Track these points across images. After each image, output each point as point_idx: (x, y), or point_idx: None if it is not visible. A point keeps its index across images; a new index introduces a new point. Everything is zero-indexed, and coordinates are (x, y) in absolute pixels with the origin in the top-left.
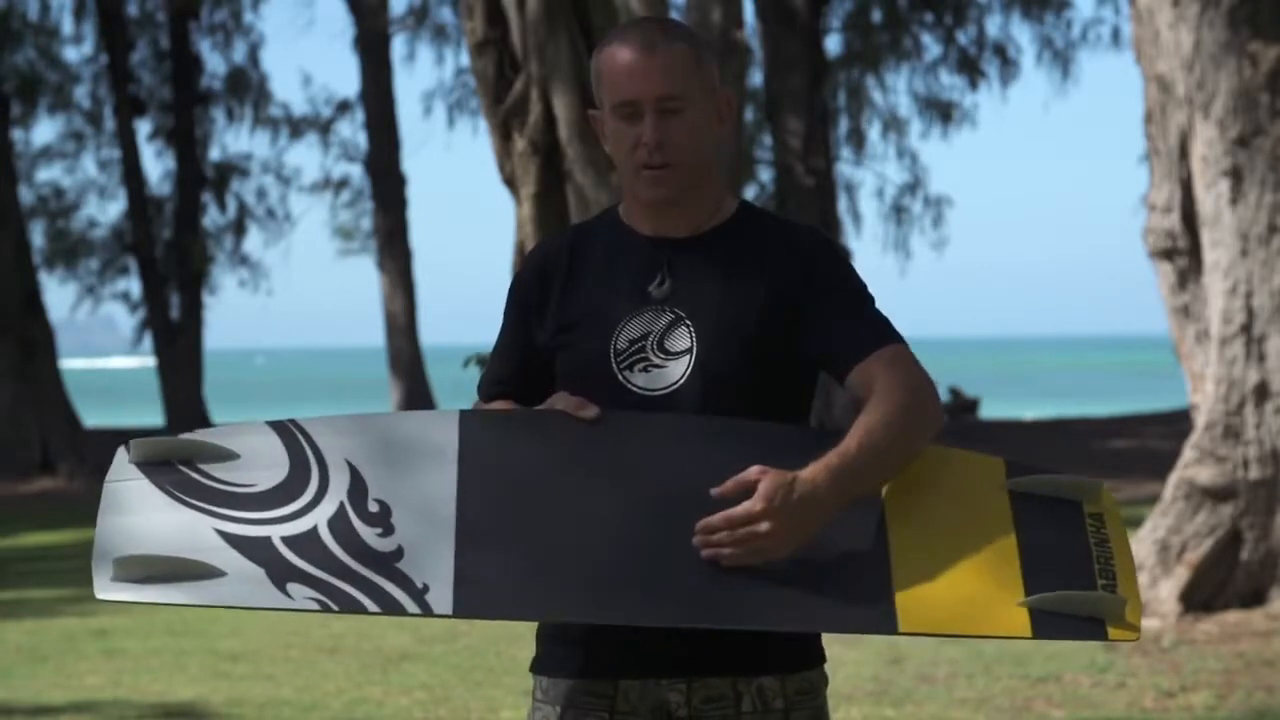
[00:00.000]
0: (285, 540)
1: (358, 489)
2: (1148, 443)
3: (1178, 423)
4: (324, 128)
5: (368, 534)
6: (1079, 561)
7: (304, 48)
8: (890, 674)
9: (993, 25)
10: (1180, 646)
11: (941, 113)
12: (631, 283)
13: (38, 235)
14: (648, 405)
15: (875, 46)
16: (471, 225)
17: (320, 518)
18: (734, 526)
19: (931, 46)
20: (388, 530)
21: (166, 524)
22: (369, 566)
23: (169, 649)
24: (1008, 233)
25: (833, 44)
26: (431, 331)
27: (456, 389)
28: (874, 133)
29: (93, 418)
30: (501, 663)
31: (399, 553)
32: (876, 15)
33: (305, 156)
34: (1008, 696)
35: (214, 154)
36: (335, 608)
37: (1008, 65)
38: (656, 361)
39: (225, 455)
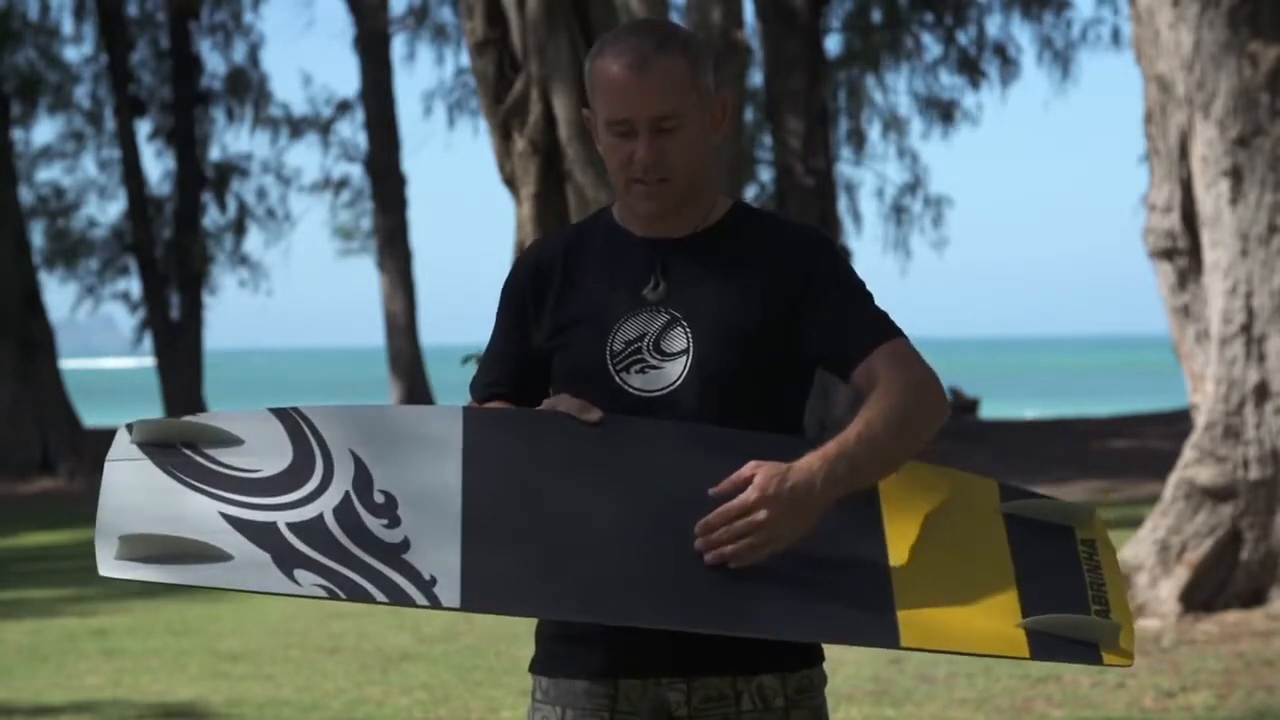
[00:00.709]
0: (291, 527)
1: (362, 479)
2: (1148, 443)
3: (1178, 423)
4: (324, 128)
5: (374, 524)
6: (1072, 587)
7: (304, 48)
8: (890, 674)
9: (993, 25)
10: (1180, 646)
11: (941, 113)
12: (627, 284)
13: (38, 235)
14: (645, 406)
15: (875, 46)
16: (471, 225)
17: (326, 506)
18: (731, 520)
19: (931, 46)
20: (394, 522)
21: (171, 504)
22: (376, 556)
23: (169, 649)
24: (1008, 233)
25: (833, 44)
26: (431, 331)
27: (457, 389)
28: (874, 133)
29: (93, 418)
30: (501, 663)
31: (405, 544)
32: (876, 15)
33: (305, 156)
34: (1008, 696)
35: (214, 154)
36: (343, 595)
37: (1008, 65)
38: (653, 363)
39: (229, 440)
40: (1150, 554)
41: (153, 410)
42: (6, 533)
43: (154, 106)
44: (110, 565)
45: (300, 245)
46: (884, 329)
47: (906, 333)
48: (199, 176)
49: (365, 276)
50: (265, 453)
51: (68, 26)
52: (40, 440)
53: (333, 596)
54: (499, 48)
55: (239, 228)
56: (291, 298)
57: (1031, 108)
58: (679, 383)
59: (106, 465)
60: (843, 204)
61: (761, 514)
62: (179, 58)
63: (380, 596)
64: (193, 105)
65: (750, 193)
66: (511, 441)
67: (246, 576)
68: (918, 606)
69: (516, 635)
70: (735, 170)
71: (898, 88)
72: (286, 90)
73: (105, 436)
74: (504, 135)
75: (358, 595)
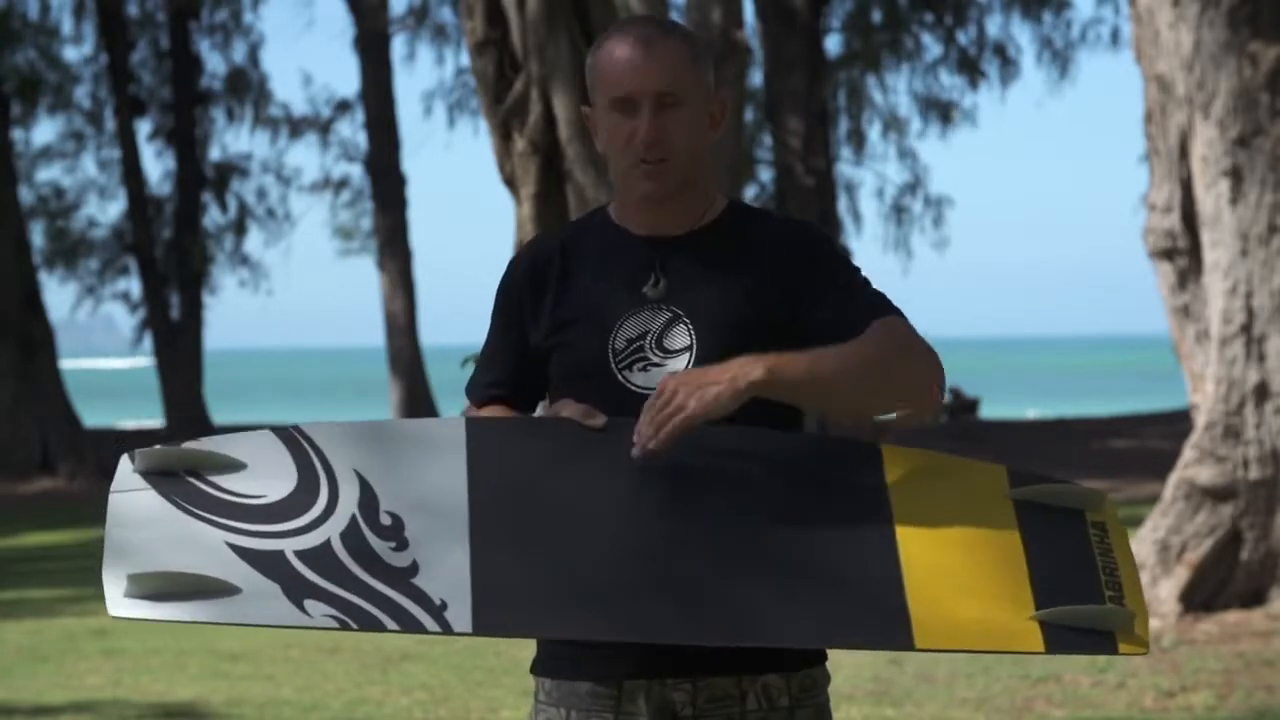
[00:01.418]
0: (299, 554)
1: (368, 501)
2: (1148, 443)
3: (1178, 423)
4: (324, 128)
5: (381, 548)
6: (1085, 572)
7: (304, 48)
8: (890, 674)
9: (993, 25)
10: (1180, 646)
11: (941, 113)
12: (626, 282)
13: (38, 235)
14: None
15: (875, 46)
16: (471, 225)
17: (333, 531)
18: (652, 415)
19: (931, 46)
20: (401, 544)
21: (178, 537)
22: (385, 582)
23: (169, 649)
24: (1008, 233)
25: (833, 44)
26: (431, 331)
27: (457, 389)
28: (874, 133)
29: (93, 418)
30: (501, 663)
31: (414, 568)
32: (876, 15)
33: (305, 156)
34: (1008, 696)
35: (214, 154)
36: (355, 626)
37: (1008, 65)
38: (655, 360)
39: (232, 465)
40: (1150, 554)
41: (153, 410)
42: (6, 533)
43: (154, 106)
44: (120, 605)
45: (300, 245)
46: (881, 307)
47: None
48: (199, 176)
49: (365, 276)
50: (269, 476)
51: (68, 26)
52: (40, 440)
53: (344, 627)
54: (499, 48)
55: (239, 228)
56: (291, 298)
57: (1031, 108)
58: None
59: (111, 497)
60: (843, 204)
61: (678, 395)
62: (179, 58)
63: (391, 625)
64: (193, 105)
65: (750, 193)
66: (516, 454)
67: (257, 611)
68: (931, 606)
69: None
70: (735, 170)
71: (898, 88)
72: (286, 90)
73: (105, 436)
74: (504, 135)
75: (369, 625)
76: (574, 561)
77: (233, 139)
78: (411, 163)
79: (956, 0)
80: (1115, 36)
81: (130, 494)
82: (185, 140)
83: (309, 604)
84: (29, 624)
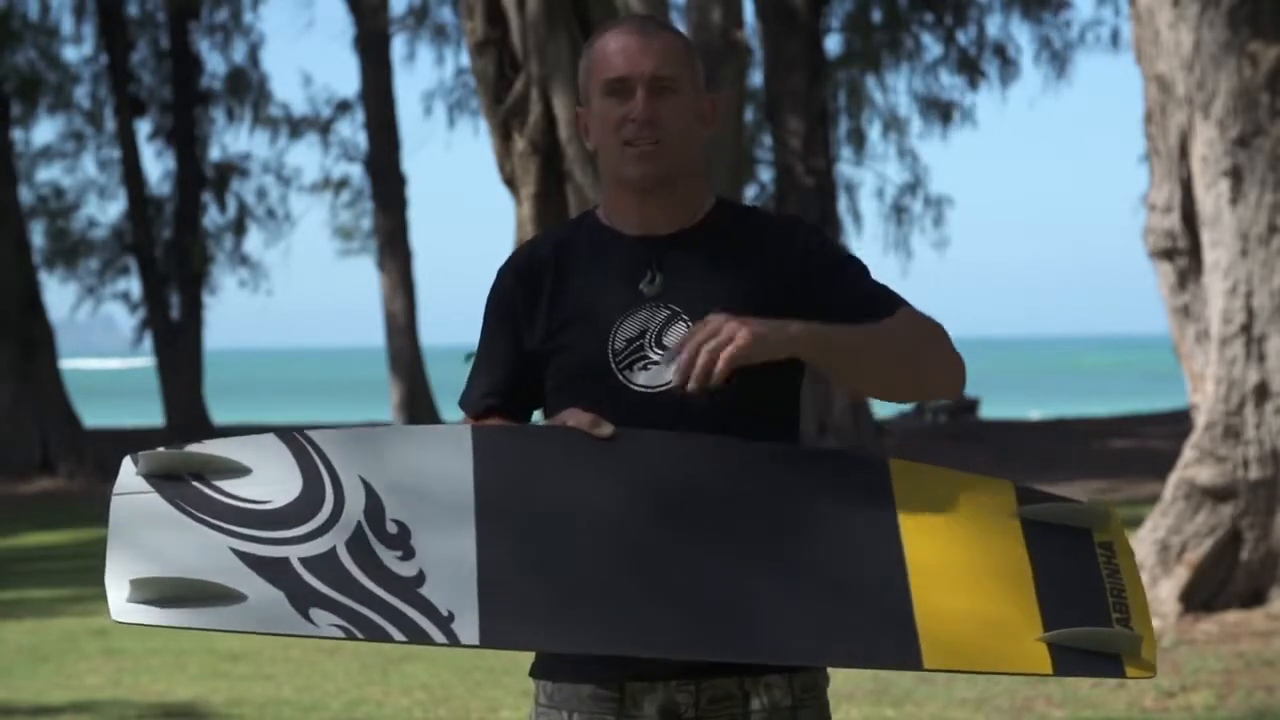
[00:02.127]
0: (304, 562)
1: (374, 508)
2: (1148, 443)
3: (1178, 423)
4: (324, 128)
5: (388, 557)
6: (1092, 594)
7: (304, 48)
8: (890, 674)
9: (993, 25)
10: (1180, 646)
11: (941, 113)
12: (622, 281)
13: (38, 235)
14: (649, 403)
15: (875, 46)
16: (471, 225)
17: (339, 539)
18: (697, 344)
19: (931, 46)
20: (408, 553)
21: (181, 543)
22: (392, 592)
23: (169, 649)
24: (1008, 233)
25: (833, 44)
26: (431, 331)
27: (457, 389)
28: (874, 133)
29: (93, 418)
30: (501, 663)
31: (420, 577)
32: (876, 15)
33: (305, 156)
34: (1008, 696)
35: (214, 154)
36: (361, 635)
37: (1008, 65)
38: (656, 359)
39: (236, 469)
40: (1150, 554)
41: (153, 410)
42: (6, 533)
43: (154, 106)
44: (123, 610)
45: (300, 245)
46: (891, 299)
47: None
48: (199, 176)
49: (365, 276)
50: (274, 481)
51: (68, 26)
52: (40, 440)
53: (350, 637)
54: (499, 48)
55: (239, 228)
56: (291, 298)
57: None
58: None
59: (113, 500)
60: (843, 204)
61: (726, 326)
62: (179, 58)
63: (398, 635)
64: (193, 105)
65: (750, 193)
66: (522, 464)
67: (262, 618)
68: (939, 626)
69: None
70: (735, 170)
71: (898, 88)
72: (286, 90)
73: (105, 436)
74: (504, 135)
75: (376, 635)
76: (580, 573)
77: (233, 139)
78: (411, 163)
79: (956, 0)
80: (1115, 37)
81: (132, 496)
82: (185, 140)
83: (315, 613)
84: (29, 624)
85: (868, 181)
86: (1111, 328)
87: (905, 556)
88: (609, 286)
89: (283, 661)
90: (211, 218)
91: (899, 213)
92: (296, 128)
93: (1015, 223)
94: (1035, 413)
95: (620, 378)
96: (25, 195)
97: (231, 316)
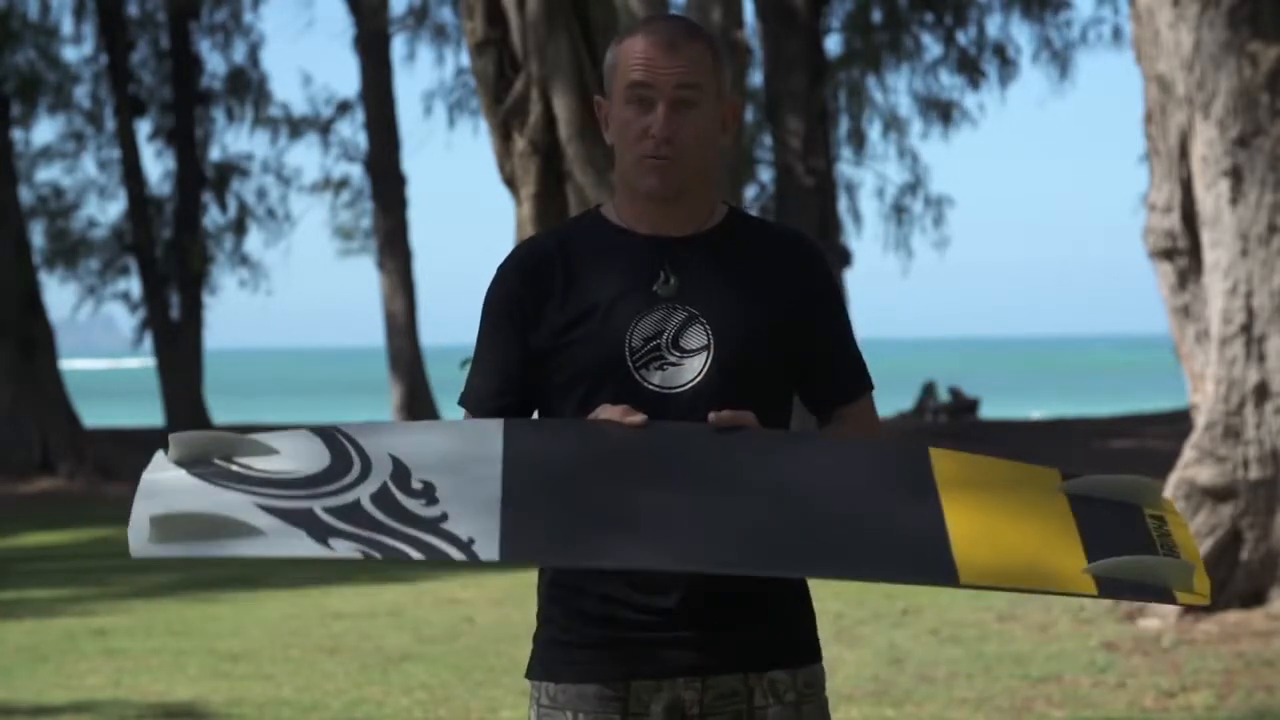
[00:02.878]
0: (327, 510)
1: (401, 472)
2: (1148, 443)
3: (1178, 423)
4: (324, 128)
5: (412, 504)
6: (1141, 542)
7: (304, 48)
8: (890, 674)
9: (993, 25)
10: (1180, 646)
11: (941, 113)
12: (634, 280)
13: (38, 235)
14: (665, 402)
15: (875, 46)
16: (471, 225)
17: (363, 493)
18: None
19: (931, 46)
20: (432, 501)
21: (205, 498)
22: (414, 526)
23: (169, 649)
24: (1008, 233)
25: (833, 44)
26: (431, 331)
27: (457, 389)
28: (874, 133)
29: (93, 418)
30: (501, 663)
31: (444, 516)
32: (876, 15)
33: (305, 156)
34: (1008, 696)
35: (214, 154)
36: (378, 555)
37: (1007, 65)
38: (672, 359)
39: (265, 450)
40: None
41: (153, 410)
42: (6, 533)
43: (154, 106)
44: (144, 548)
45: (300, 245)
46: (867, 375)
47: (906, 337)
48: (199, 176)
49: (365, 276)
50: (301, 458)
51: (68, 26)
52: (40, 440)
53: (367, 558)
54: (499, 48)
55: (239, 228)
56: (291, 298)
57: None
58: (699, 379)
59: (142, 479)
60: (843, 204)
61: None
62: (179, 58)
63: (415, 554)
64: (193, 105)
65: (750, 193)
66: (552, 439)
67: (278, 545)
68: (975, 550)
69: (517, 636)
70: (735, 170)
71: (898, 88)
72: (286, 90)
73: (105, 436)
74: (504, 135)
75: (392, 554)
76: (609, 502)
77: (233, 139)
78: (411, 163)
79: (956, 0)
80: (1115, 36)
81: (161, 474)
82: (185, 140)
83: (333, 540)
84: (29, 624)
85: (868, 181)
86: (1112, 328)
87: (941, 501)
88: (622, 285)
89: (283, 661)
90: (211, 218)
91: (899, 213)
92: (296, 128)
93: (1016, 223)
94: (1035, 413)
95: (636, 376)
96: (25, 195)
97: (231, 316)
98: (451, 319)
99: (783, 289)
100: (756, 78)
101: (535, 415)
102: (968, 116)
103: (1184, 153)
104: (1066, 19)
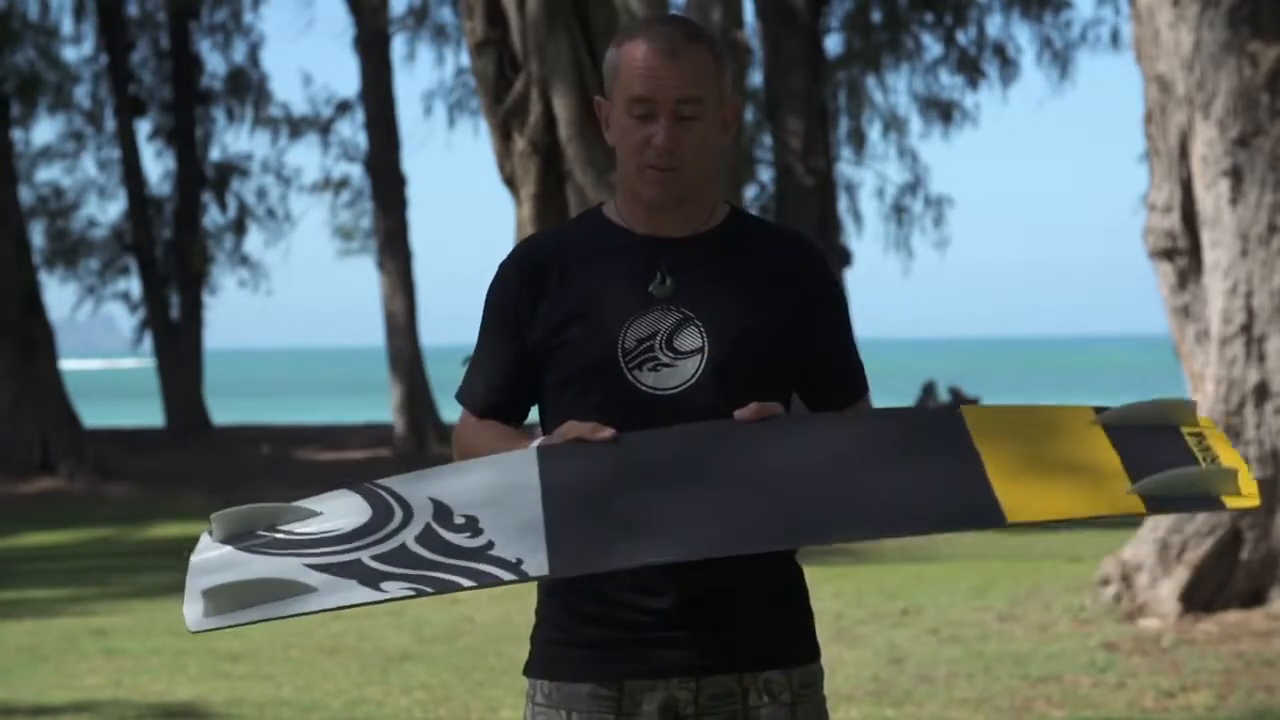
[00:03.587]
0: (374, 557)
1: (442, 512)
2: None
3: None
4: (324, 128)
5: (457, 538)
6: (1182, 459)
7: (304, 48)
8: (890, 674)
9: (993, 25)
10: (1180, 646)
11: (941, 113)
12: (630, 281)
13: (38, 235)
14: (657, 404)
15: (875, 46)
16: (471, 225)
17: (408, 536)
18: None
19: (931, 46)
20: (476, 532)
21: (255, 567)
22: (461, 558)
23: (169, 649)
24: (1008, 233)
25: (833, 44)
26: (431, 331)
27: (456, 389)
28: (874, 133)
29: (93, 418)
30: (501, 663)
31: (490, 544)
32: (876, 15)
33: (305, 156)
34: (1008, 696)
35: (214, 154)
36: (430, 590)
37: (1008, 65)
38: (666, 361)
39: (306, 515)
40: (1150, 554)
41: (153, 410)
42: (6, 533)
43: (154, 106)
44: (200, 621)
45: (300, 245)
46: (863, 380)
47: (906, 337)
48: (199, 176)
49: (365, 276)
50: (343, 515)
51: (68, 26)
52: (40, 440)
53: (420, 594)
54: (499, 48)
55: (239, 228)
56: (291, 298)
57: (1031, 108)
58: (693, 381)
59: (190, 561)
60: (843, 204)
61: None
62: (179, 58)
63: (467, 583)
64: (193, 105)
65: (750, 193)
66: (584, 460)
67: (333, 597)
68: (1016, 485)
69: (517, 636)
70: (735, 170)
71: (898, 88)
72: (286, 90)
73: (105, 436)
74: (504, 135)
75: (445, 589)
76: (640, 511)
77: (233, 139)
78: (411, 163)
79: (956, 0)
80: (1115, 37)
81: (209, 553)
82: (185, 140)
83: (385, 584)
84: (29, 624)
85: (868, 181)
86: (1112, 327)
87: (978, 448)
88: (617, 285)
89: (283, 661)
90: (211, 218)
91: (899, 213)
92: (296, 128)
93: (1015, 223)
94: None
95: (629, 377)
96: (25, 195)
97: (231, 316)
98: (451, 319)
99: (783, 290)
100: (756, 78)
101: (535, 413)
102: (968, 116)
103: (1184, 153)
104: (1066, 19)
